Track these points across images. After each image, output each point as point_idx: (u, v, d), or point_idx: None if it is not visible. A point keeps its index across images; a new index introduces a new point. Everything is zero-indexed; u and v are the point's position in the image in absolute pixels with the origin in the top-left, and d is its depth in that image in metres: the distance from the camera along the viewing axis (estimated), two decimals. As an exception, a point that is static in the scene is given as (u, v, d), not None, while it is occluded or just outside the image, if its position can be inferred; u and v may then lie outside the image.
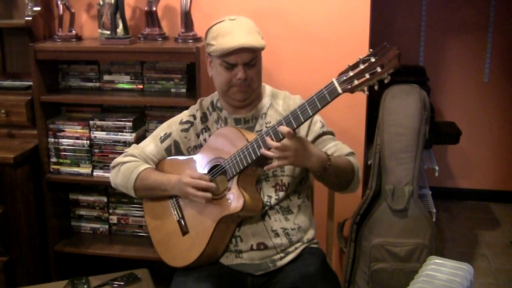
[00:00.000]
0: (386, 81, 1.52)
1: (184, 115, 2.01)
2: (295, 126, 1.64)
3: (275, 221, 1.85)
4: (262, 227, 1.84)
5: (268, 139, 1.64)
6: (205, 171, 1.85)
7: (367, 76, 1.53)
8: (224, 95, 1.88)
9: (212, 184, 1.76)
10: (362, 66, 1.54)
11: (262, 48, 1.81)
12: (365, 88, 1.55)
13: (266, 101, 1.93)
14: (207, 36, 1.85)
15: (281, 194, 1.85)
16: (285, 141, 1.62)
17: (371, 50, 1.54)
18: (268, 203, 1.84)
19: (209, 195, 1.76)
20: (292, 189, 1.88)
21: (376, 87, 1.54)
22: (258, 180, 1.85)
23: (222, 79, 1.83)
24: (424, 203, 2.56)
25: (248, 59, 1.78)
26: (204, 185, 1.75)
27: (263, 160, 1.71)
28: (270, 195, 1.85)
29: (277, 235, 1.84)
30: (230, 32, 1.77)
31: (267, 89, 1.97)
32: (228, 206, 1.76)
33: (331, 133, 1.94)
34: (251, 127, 1.90)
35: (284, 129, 1.61)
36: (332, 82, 1.58)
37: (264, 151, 1.65)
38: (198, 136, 1.97)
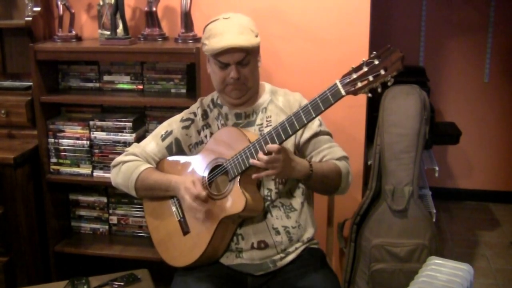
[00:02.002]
0: (389, 83, 1.53)
1: (185, 113, 2.02)
2: (298, 128, 1.67)
3: (277, 219, 1.85)
4: (263, 225, 1.84)
5: (259, 154, 1.67)
6: (207, 171, 1.85)
7: (371, 78, 1.53)
8: (221, 93, 1.90)
9: (202, 208, 1.78)
10: (365, 69, 1.54)
11: (254, 47, 1.81)
12: (367, 90, 1.56)
13: (266, 97, 1.94)
14: (203, 35, 1.88)
15: (281, 187, 1.86)
16: (274, 155, 1.65)
17: (374, 52, 1.54)
18: (269, 197, 1.84)
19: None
20: (293, 184, 1.89)
21: (379, 90, 1.55)
22: (259, 180, 1.85)
23: (217, 78, 1.85)
24: (424, 204, 2.57)
25: (239, 58, 1.79)
26: (197, 207, 1.77)
27: None
28: (270, 188, 1.85)
29: (277, 233, 1.84)
30: (221, 32, 1.78)
31: (267, 86, 1.98)
32: (229, 207, 1.76)
33: (328, 134, 1.94)
34: (252, 121, 1.91)
35: (272, 147, 1.64)
36: (336, 84, 1.58)
37: (254, 161, 1.68)
38: (199, 132, 1.97)
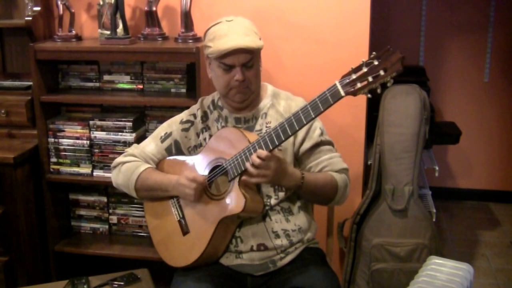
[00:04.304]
0: (389, 84, 1.53)
1: (185, 115, 2.01)
2: (297, 128, 1.66)
3: (276, 222, 1.85)
4: (262, 228, 1.84)
5: (253, 156, 1.66)
6: (206, 171, 1.85)
7: (370, 79, 1.53)
8: (224, 97, 1.89)
9: (200, 186, 1.79)
10: (365, 69, 1.54)
11: (259, 49, 1.81)
12: (367, 91, 1.56)
13: (267, 101, 1.93)
14: (205, 38, 1.85)
15: (281, 194, 1.85)
16: (264, 161, 1.65)
17: (374, 53, 1.54)
18: (268, 204, 1.84)
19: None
20: (292, 190, 1.88)
21: (378, 90, 1.55)
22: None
23: (221, 82, 1.83)
24: (424, 203, 2.56)
25: (245, 60, 1.78)
26: (195, 193, 1.79)
27: None
28: (269, 195, 1.85)
29: (277, 236, 1.84)
30: (226, 33, 1.77)
31: (269, 88, 1.96)
32: (229, 207, 1.76)
33: (329, 143, 1.92)
34: (251, 126, 1.90)
35: (261, 153, 1.64)
36: (335, 84, 1.58)
37: (248, 165, 1.67)
38: (198, 135, 1.97)
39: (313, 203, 1.98)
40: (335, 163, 1.88)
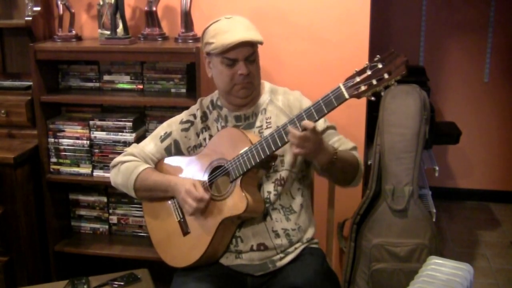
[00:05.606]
0: (392, 87, 1.54)
1: (185, 115, 2.01)
2: (300, 130, 1.65)
3: (276, 221, 1.85)
4: (263, 227, 1.84)
5: (291, 128, 1.65)
6: (208, 172, 1.85)
7: (374, 82, 1.54)
8: (228, 94, 1.87)
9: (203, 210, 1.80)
10: (369, 72, 1.55)
11: (261, 43, 1.82)
12: (371, 94, 1.56)
13: (265, 97, 1.93)
14: (205, 36, 1.85)
15: (279, 188, 1.85)
16: (307, 132, 1.63)
17: (378, 56, 1.54)
18: (268, 199, 1.84)
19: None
20: (292, 186, 1.88)
21: (382, 93, 1.56)
22: (260, 182, 1.85)
23: (225, 78, 1.82)
24: (424, 203, 2.56)
25: (248, 54, 1.79)
26: (198, 210, 1.79)
27: (266, 163, 1.72)
28: (269, 190, 1.85)
29: (277, 235, 1.84)
30: (228, 29, 1.78)
31: (266, 85, 1.97)
32: (230, 208, 1.76)
33: (333, 127, 1.96)
34: (251, 123, 1.90)
35: (308, 124, 1.62)
36: (339, 87, 1.59)
37: (291, 129, 1.64)
38: (198, 135, 1.97)
39: (339, 182, 1.94)
40: (346, 143, 1.91)
